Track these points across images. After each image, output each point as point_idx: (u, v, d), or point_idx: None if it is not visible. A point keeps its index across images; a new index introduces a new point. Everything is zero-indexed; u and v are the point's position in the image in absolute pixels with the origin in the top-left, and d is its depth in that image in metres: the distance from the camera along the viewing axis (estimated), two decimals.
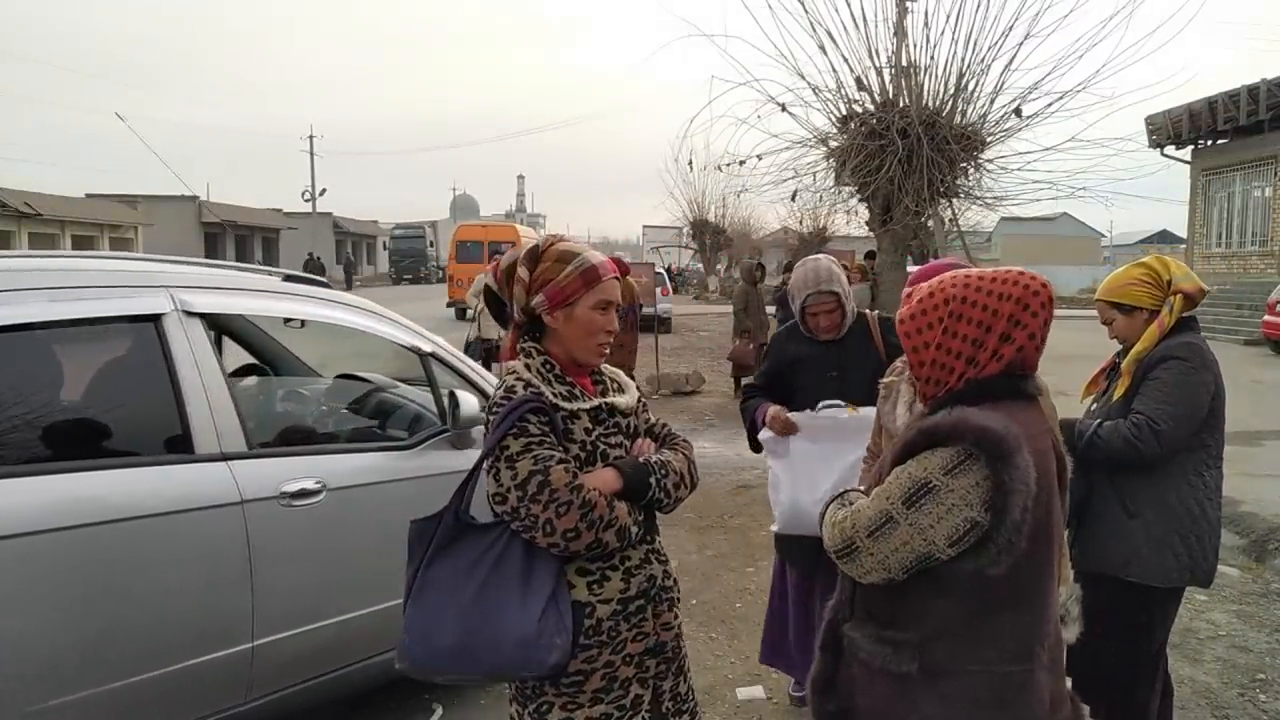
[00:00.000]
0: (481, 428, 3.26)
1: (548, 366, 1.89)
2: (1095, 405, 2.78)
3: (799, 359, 3.32)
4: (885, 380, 2.76)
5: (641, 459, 1.94)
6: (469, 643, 1.76)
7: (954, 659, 1.58)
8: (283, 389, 3.93)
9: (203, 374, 2.67)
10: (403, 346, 3.34)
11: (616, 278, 1.95)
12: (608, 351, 1.96)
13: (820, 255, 3.36)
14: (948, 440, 1.54)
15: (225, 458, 2.66)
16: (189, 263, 3.31)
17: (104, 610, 2.40)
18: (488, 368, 10.33)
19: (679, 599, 2.05)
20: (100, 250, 29.00)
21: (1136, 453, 2.51)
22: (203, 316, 2.74)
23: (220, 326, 3.65)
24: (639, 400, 2.07)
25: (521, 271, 1.88)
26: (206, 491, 2.59)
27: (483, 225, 27.94)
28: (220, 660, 2.61)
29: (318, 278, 3.39)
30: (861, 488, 1.81)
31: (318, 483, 2.83)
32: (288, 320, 3.33)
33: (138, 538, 2.44)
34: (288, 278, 3.21)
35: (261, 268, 3.48)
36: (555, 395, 1.85)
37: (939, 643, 1.59)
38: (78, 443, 2.53)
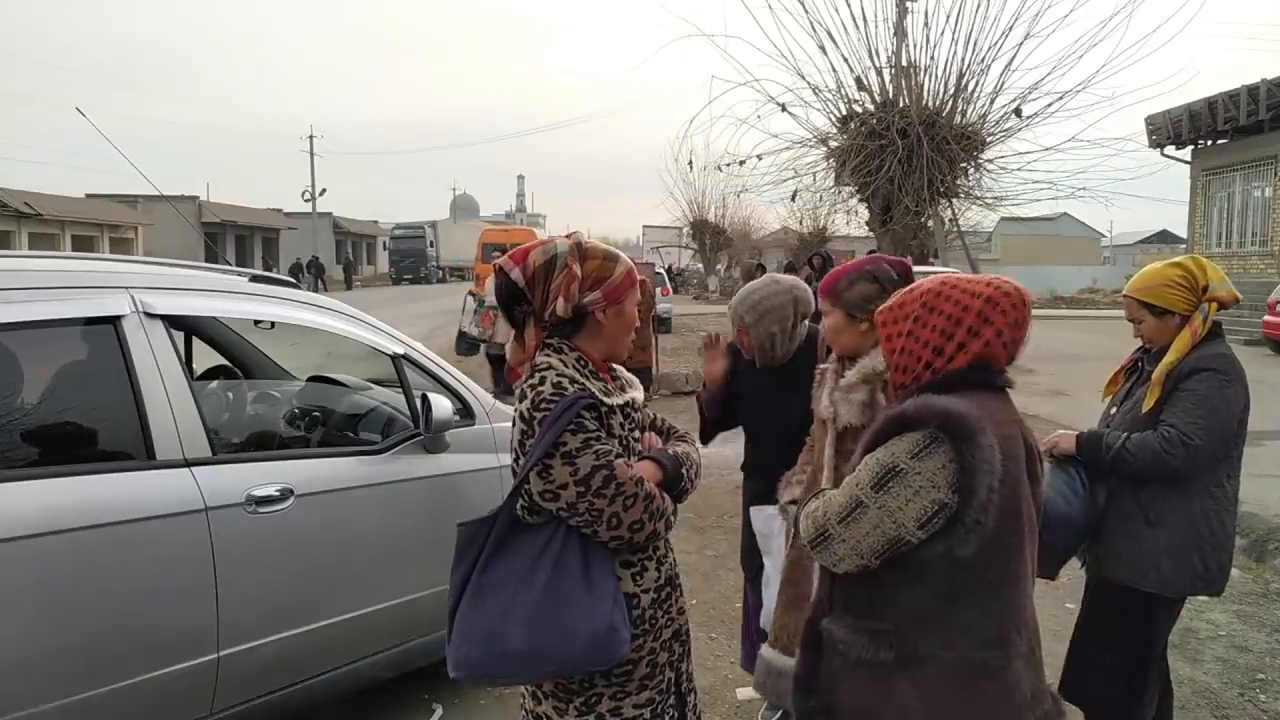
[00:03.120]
0: (455, 431, 3.21)
1: (581, 363, 1.89)
2: (1115, 410, 2.70)
3: (740, 380, 3.21)
4: (820, 367, 2.84)
5: (671, 451, 2.00)
6: (541, 643, 1.75)
7: (928, 646, 1.61)
8: (253, 392, 3.86)
9: (164, 377, 2.59)
10: (372, 348, 3.27)
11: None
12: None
13: (770, 280, 3.14)
14: (913, 425, 1.59)
15: (188, 463, 2.58)
16: (151, 263, 3.23)
17: (60, 622, 2.32)
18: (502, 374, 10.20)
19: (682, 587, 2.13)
20: (100, 250, 29.01)
21: (1166, 467, 2.45)
22: (165, 318, 2.67)
23: (190, 328, 3.59)
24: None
25: (576, 268, 1.86)
26: (168, 498, 2.51)
27: (504, 229, 31.87)
28: (183, 672, 2.54)
29: (285, 278, 3.31)
30: (828, 486, 1.84)
31: (285, 489, 2.75)
32: (258, 322, 3.26)
33: (96, 547, 2.37)
34: (254, 278, 3.13)
35: (229, 268, 3.41)
36: (599, 391, 1.87)
37: (913, 630, 1.63)
38: (33, 449, 2.46)
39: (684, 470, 1.98)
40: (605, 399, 1.88)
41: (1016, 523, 1.62)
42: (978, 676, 1.60)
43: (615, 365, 2.07)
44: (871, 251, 12.42)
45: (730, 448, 8.20)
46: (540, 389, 1.80)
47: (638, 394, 2.05)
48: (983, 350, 1.66)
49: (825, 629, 1.74)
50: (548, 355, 1.88)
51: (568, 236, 1.93)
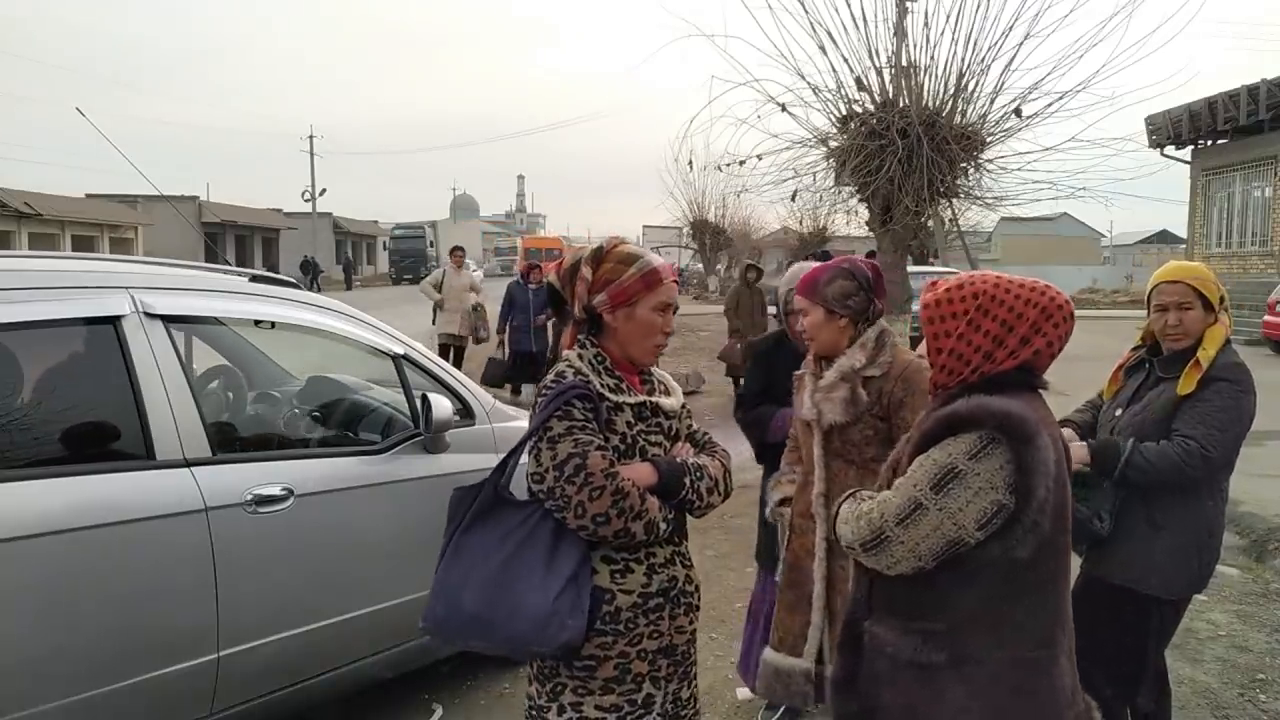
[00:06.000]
0: (455, 431, 3.24)
1: (599, 359, 1.95)
2: (1121, 412, 2.67)
3: (789, 373, 3.06)
4: (796, 374, 2.82)
5: (679, 459, 1.99)
6: (488, 612, 1.82)
7: (981, 646, 1.61)
8: (253, 392, 3.86)
9: (164, 377, 2.59)
10: (373, 349, 3.27)
11: (676, 281, 2.02)
12: (662, 352, 2.04)
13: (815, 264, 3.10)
14: (969, 426, 1.58)
15: (188, 463, 2.59)
16: (151, 263, 3.24)
17: (61, 622, 2.33)
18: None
19: (698, 606, 2.07)
20: (100, 250, 29.00)
21: (1184, 478, 2.45)
22: (165, 318, 2.68)
23: (190, 327, 3.60)
24: (683, 406, 2.12)
25: (585, 271, 1.93)
26: (168, 498, 2.52)
27: (539, 237, 37.40)
28: (183, 672, 2.54)
29: (285, 278, 3.32)
30: (867, 490, 1.81)
31: (285, 488, 2.76)
32: (258, 322, 3.26)
33: (96, 547, 2.37)
34: (254, 278, 3.14)
35: (229, 268, 3.41)
36: (603, 386, 1.91)
37: (966, 630, 1.62)
38: (32, 450, 2.46)
39: (687, 479, 1.96)
40: (610, 395, 1.91)
41: (1064, 522, 1.64)
42: (1030, 675, 1.61)
43: (654, 370, 2.08)
44: (871, 253, 12.45)
45: (730, 448, 8.21)
46: (549, 375, 1.93)
47: (670, 400, 2.06)
48: (1030, 357, 1.67)
49: (869, 631, 1.73)
50: (573, 349, 1.98)
51: (612, 238, 2.03)
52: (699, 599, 2.08)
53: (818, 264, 2.93)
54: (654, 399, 2.01)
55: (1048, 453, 1.55)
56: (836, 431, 2.64)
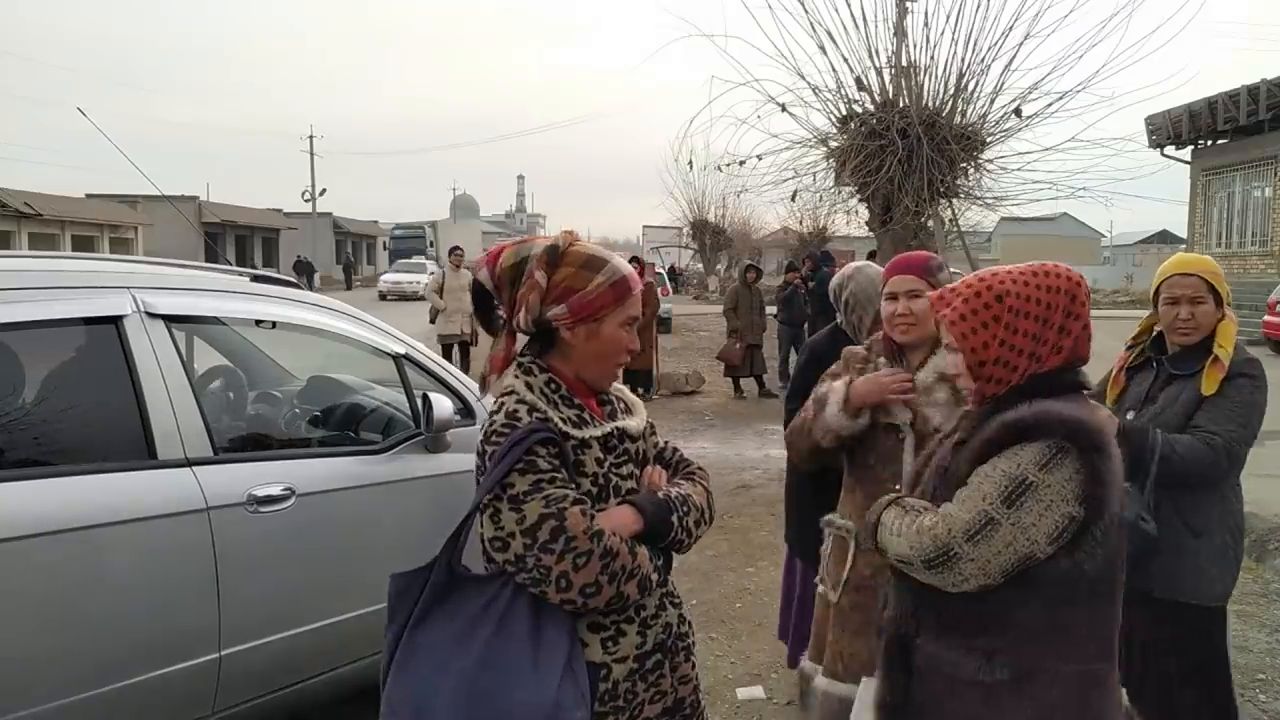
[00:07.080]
0: (456, 430, 3.20)
1: (552, 386, 1.64)
2: (1134, 415, 2.59)
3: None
4: (829, 370, 2.65)
5: (660, 494, 1.71)
6: (473, 719, 1.51)
7: (1046, 661, 1.56)
8: (254, 391, 3.87)
9: (166, 377, 2.59)
10: (373, 348, 3.27)
11: (641, 288, 1.76)
12: (620, 374, 1.78)
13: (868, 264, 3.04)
14: (1036, 434, 1.51)
15: (190, 463, 2.58)
16: (153, 263, 3.24)
17: (62, 622, 2.33)
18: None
19: (694, 645, 1.84)
20: (100, 250, 29.01)
21: (1207, 478, 2.41)
22: (166, 318, 2.67)
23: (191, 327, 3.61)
24: (648, 422, 1.85)
25: (539, 276, 1.60)
26: (169, 498, 2.52)
27: (543, 238, 39.93)
28: (185, 671, 2.54)
29: (286, 278, 3.32)
30: (897, 486, 1.75)
31: (287, 488, 2.76)
32: (259, 321, 3.26)
33: (97, 546, 2.37)
34: (255, 278, 3.15)
35: (230, 268, 3.41)
36: (564, 421, 1.61)
37: (1031, 646, 1.56)
38: (34, 449, 2.46)
39: (675, 518, 1.67)
40: (574, 431, 1.61)
41: (1124, 531, 1.60)
42: (1090, 688, 1.57)
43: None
44: (871, 253, 12.45)
45: (730, 449, 8.21)
46: (495, 417, 1.60)
47: (635, 421, 1.77)
48: (1072, 347, 1.60)
49: (922, 650, 1.64)
50: (517, 376, 1.65)
51: (566, 233, 1.71)
52: (694, 637, 1.84)
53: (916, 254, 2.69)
54: (619, 424, 1.72)
55: (1119, 463, 1.50)
56: (929, 436, 2.50)
